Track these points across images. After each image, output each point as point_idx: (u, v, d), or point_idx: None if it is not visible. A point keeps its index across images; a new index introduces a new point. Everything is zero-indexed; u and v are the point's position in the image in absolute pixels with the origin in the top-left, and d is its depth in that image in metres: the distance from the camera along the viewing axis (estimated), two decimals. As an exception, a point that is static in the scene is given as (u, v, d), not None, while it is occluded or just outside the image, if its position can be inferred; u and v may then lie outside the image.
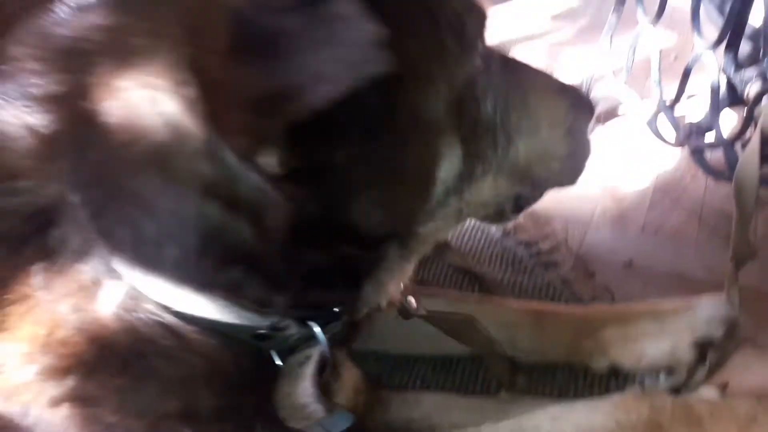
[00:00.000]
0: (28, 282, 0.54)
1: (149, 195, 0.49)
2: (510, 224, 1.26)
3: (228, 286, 0.55)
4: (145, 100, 0.46)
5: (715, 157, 1.27)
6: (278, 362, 0.64)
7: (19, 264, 0.54)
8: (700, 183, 1.31)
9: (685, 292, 1.01)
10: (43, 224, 0.54)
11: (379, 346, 0.99)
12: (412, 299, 0.80)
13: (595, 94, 1.49)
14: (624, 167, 1.40)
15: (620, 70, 1.44)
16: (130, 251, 0.52)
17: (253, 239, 0.51)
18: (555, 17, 2.18)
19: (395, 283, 0.71)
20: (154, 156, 0.47)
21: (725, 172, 1.20)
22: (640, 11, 1.33)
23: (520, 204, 0.80)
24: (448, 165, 0.62)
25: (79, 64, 0.50)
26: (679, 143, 1.33)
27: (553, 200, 1.31)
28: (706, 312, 0.92)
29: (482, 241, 1.25)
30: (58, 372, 0.55)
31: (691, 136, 1.27)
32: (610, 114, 1.57)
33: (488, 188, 0.70)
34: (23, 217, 0.54)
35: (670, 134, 1.35)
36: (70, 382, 0.55)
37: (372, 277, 0.62)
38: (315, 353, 0.64)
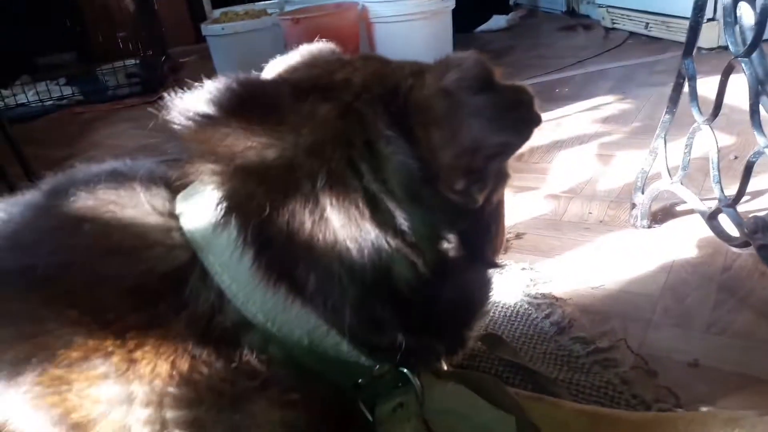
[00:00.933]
0: (167, 330, 0.58)
1: (345, 243, 0.59)
2: (565, 321, 1.23)
3: (373, 325, 0.63)
4: None
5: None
6: (366, 413, 0.69)
7: (154, 314, 0.58)
8: (768, 282, 1.25)
9: (754, 394, 0.94)
10: (175, 283, 0.60)
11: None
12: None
13: (649, 195, 1.47)
14: (684, 266, 1.35)
15: (675, 170, 1.43)
16: (312, 292, 0.60)
17: (414, 276, 0.62)
18: (606, 120, 2.20)
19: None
20: None
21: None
22: (695, 111, 1.33)
23: None
24: None
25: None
26: (743, 242, 1.28)
27: (611, 298, 1.29)
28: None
29: (535, 338, 1.21)
30: (181, 402, 0.58)
31: (757, 232, 1.22)
32: (667, 213, 1.55)
33: None
34: (155, 278, 0.60)
35: (733, 232, 1.31)
36: (188, 412, 0.58)
37: (478, 313, 0.75)
38: (409, 398, 0.70)
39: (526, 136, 0.65)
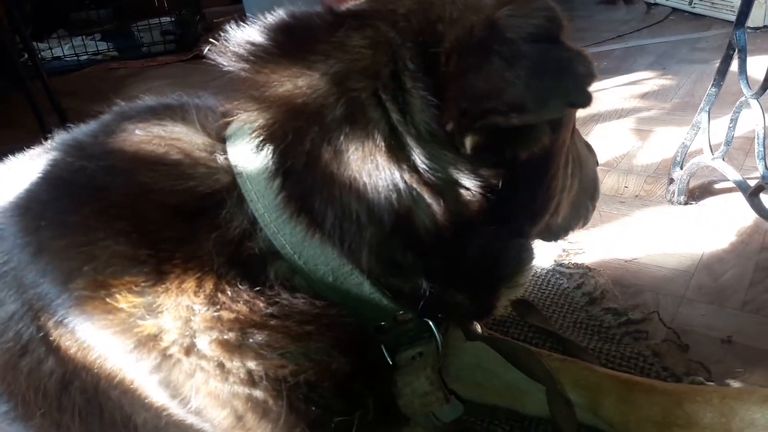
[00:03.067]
0: (199, 247, 0.60)
1: (361, 178, 0.58)
2: (597, 292, 1.22)
3: (394, 270, 0.62)
4: None
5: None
6: (387, 356, 0.68)
7: (190, 232, 0.60)
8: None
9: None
10: (213, 204, 0.61)
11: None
12: (477, 324, 0.82)
13: (688, 170, 1.44)
14: (721, 243, 1.33)
15: (718, 146, 1.40)
16: (330, 228, 0.59)
17: (433, 225, 0.60)
18: (645, 95, 2.16)
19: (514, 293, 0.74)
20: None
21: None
22: (743, 84, 1.30)
23: None
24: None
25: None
26: (784, 221, 1.26)
27: (644, 272, 1.28)
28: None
29: (565, 307, 1.20)
30: (210, 322, 0.59)
31: (797, 212, 1.20)
32: (705, 190, 1.53)
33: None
34: (196, 196, 0.62)
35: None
36: (215, 332, 0.59)
37: (506, 282, 0.70)
38: (430, 349, 0.69)
39: (552, 111, 0.58)
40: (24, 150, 0.81)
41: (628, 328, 1.12)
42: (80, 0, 3.96)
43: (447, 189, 0.59)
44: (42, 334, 0.64)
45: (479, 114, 0.55)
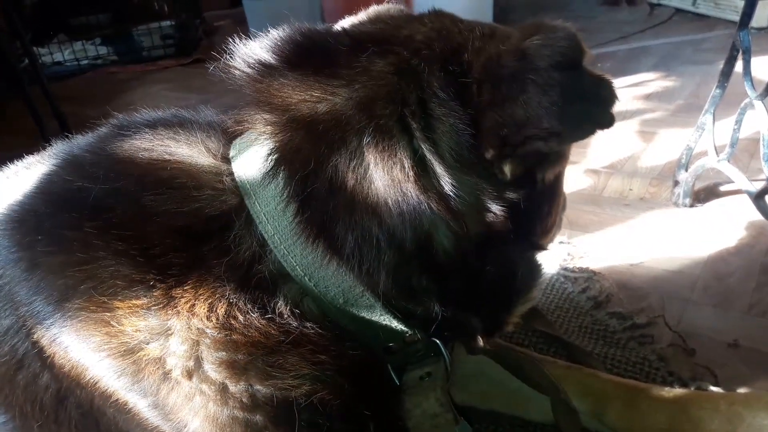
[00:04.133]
0: (209, 272, 0.59)
1: (386, 205, 0.58)
2: (602, 296, 1.21)
3: (409, 293, 0.62)
4: None
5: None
6: (395, 377, 0.68)
7: (199, 256, 0.59)
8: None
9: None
10: (221, 227, 0.61)
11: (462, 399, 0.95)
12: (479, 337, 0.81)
13: (693, 172, 1.43)
14: (726, 246, 1.32)
15: (723, 148, 1.38)
16: (349, 252, 0.59)
17: (453, 247, 0.60)
18: (649, 96, 2.15)
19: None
20: None
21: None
22: (747, 85, 1.28)
23: None
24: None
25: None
26: (790, 223, 1.24)
27: (649, 275, 1.26)
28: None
29: (570, 311, 1.19)
30: (221, 344, 0.59)
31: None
32: (710, 193, 1.51)
33: None
34: (203, 218, 0.61)
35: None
36: (224, 354, 0.58)
37: (521, 298, 0.71)
38: (438, 368, 0.69)
39: (583, 133, 0.61)
40: (23, 156, 0.80)
41: (634, 332, 1.11)
42: (80, 4, 3.96)
43: (470, 212, 0.60)
44: (36, 350, 0.63)
45: (520, 141, 0.58)
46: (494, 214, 0.61)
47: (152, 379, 0.58)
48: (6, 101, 2.66)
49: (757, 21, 2.60)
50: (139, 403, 0.60)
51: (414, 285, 0.62)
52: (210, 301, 0.58)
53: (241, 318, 0.59)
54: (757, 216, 1.32)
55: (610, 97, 0.60)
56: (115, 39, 3.68)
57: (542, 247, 0.73)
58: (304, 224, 0.59)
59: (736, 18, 1.33)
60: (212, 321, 0.58)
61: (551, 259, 1.31)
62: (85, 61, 3.53)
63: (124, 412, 0.61)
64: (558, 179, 0.70)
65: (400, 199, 0.58)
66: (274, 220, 0.60)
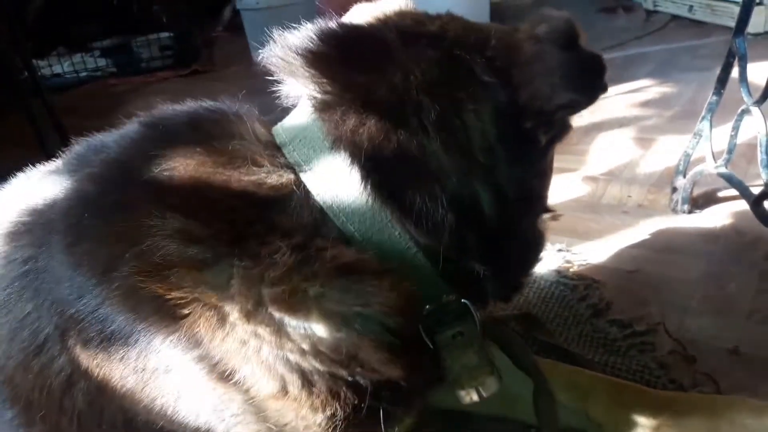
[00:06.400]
0: (272, 229, 0.64)
1: (446, 171, 0.67)
2: (602, 304, 1.21)
3: (461, 252, 0.70)
4: None
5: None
6: (426, 339, 0.72)
7: (259, 215, 0.65)
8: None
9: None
10: (280, 196, 0.67)
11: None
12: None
13: (691, 179, 1.43)
14: (725, 252, 1.32)
15: (720, 154, 1.39)
16: (417, 213, 0.66)
17: (492, 209, 0.70)
18: (646, 103, 2.15)
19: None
20: None
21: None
22: (744, 92, 1.29)
23: None
24: None
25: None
26: (789, 229, 1.24)
27: (648, 283, 1.26)
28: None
29: (570, 320, 1.19)
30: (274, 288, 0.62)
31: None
32: (709, 199, 1.51)
33: None
34: (264, 188, 0.67)
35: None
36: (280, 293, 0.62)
37: (536, 259, 0.83)
38: (468, 328, 0.73)
39: (592, 98, 0.71)
40: (24, 168, 0.81)
41: (634, 340, 1.11)
42: (81, 17, 3.97)
43: (512, 179, 0.71)
44: (60, 332, 0.66)
45: (552, 111, 0.69)
46: (524, 178, 0.73)
47: (207, 326, 0.61)
48: (6, 114, 2.67)
49: (753, 26, 2.61)
50: (182, 359, 0.63)
51: (468, 245, 0.70)
52: (269, 251, 0.63)
53: (304, 269, 0.63)
54: (756, 222, 1.32)
55: (604, 67, 0.72)
56: (114, 51, 3.69)
57: (549, 210, 0.84)
58: (372, 191, 0.66)
59: (733, 24, 1.33)
60: (270, 273, 0.62)
61: (550, 268, 1.32)
62: (84, 73, 3.52)
63: (153, 380, 0.65)
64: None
65: (458, 167, 0.67)
66: (333, 191, 0.67)
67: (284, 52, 0.71)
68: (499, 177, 0.70)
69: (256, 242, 0.63)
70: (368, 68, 0.69)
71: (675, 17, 3.19)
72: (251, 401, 0.64)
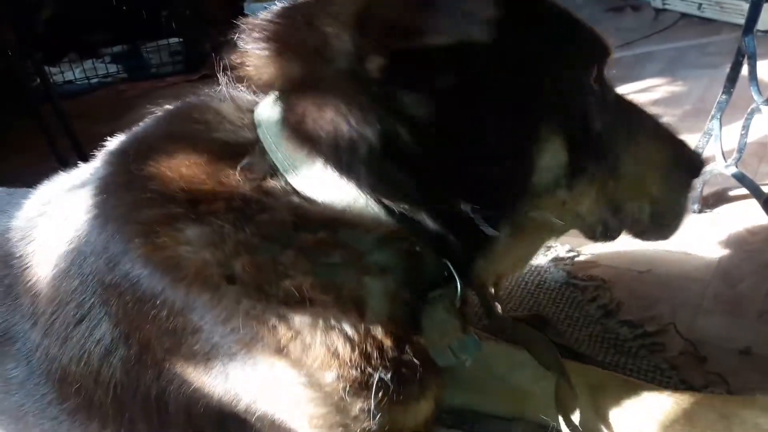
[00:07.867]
0: (226, 179, 0.70)
1: (338, 100, 0.65)
2: (612, 304, 1.20)
3: (392, 187, 0.67)
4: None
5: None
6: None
7: (217, 169, 0.71)
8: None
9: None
10: (238, 152, 0.71)
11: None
12: (498, 305, 0.87)
13: (702, 178, 1.43)
14: (737, 252, 1.31)
15: (730, 153, 1.38)
16: (328, 151, 0.66)
17: (411, 143, 0.65)
18: (655, 102, 2.15)
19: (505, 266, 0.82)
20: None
21: None
22: (754, 90, 1.28)
23: (605, 232, 0.87)
24: (551, 156, 0.72)
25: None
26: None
27: (659, 283, 1.26)
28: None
29: (580, 321, 1.19)
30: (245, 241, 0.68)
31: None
32: (719, 198, 1.51)
33: (587, 200, 0.80)
34: (224, 145, 0.73)
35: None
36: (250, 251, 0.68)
37: (487, 250, 0.74)
38: (449, 290, 0.73)
39: (463, 30, 0.62)
40: (37, 172, 0.83)
41: (645, 340, 1.10)
42: (91, 24, 4.00)
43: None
44: (102, 301, 0.71)
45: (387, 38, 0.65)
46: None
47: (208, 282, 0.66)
48: (18, 120, 2.69)
49: (763, 23, 2.58)
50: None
51: (393, 176, 0.67)
52: (235, 205, 0.68)
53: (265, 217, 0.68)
54: (767, 221, 1.31)
55: None
56: (124, 57, 3.71)
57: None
58: (294, 139, 0.69)
59: (742, 21, 1.33)
60: (239, 222, 0.67)
61: (559, 269, 1.31)
62: (95, 80, 3.56)
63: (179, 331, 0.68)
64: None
65: (358, 102, 0.65)
66: (279, 146, 0.70)
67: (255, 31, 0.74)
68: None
69: (219, 202, 0.69)
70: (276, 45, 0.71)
71: (684, 15, 3.17)
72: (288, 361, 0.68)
